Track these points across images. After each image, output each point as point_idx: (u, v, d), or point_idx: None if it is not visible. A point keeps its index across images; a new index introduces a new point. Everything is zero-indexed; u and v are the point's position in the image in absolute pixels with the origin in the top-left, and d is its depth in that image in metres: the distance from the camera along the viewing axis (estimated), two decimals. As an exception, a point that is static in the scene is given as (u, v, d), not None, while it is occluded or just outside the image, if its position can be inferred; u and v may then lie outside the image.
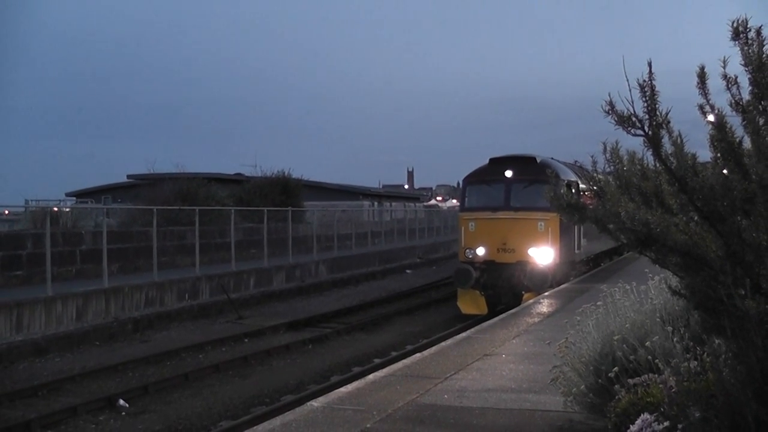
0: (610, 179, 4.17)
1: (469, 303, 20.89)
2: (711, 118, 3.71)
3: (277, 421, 6.85)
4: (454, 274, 21.37)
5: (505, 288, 20.44)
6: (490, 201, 21.02)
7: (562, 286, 19.07)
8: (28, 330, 15.84)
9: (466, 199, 21.88)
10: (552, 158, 22.68)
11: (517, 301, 19.09)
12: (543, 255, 19.85)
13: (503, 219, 20.35)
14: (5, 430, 10.79)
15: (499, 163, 21.20)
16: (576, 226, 20.63)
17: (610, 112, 3.66)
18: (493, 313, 18.68)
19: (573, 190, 19.32)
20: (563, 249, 20.36)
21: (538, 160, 20.85)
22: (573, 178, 21.22)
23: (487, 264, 20.56)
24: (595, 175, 4.17)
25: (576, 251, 21.81)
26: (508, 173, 20.59)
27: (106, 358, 15.30)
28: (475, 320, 18.41)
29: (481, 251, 20.58)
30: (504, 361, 9.33)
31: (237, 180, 43.59)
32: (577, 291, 17.34)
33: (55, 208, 27.04)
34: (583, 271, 23.15)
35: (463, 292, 20.93)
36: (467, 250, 20.82)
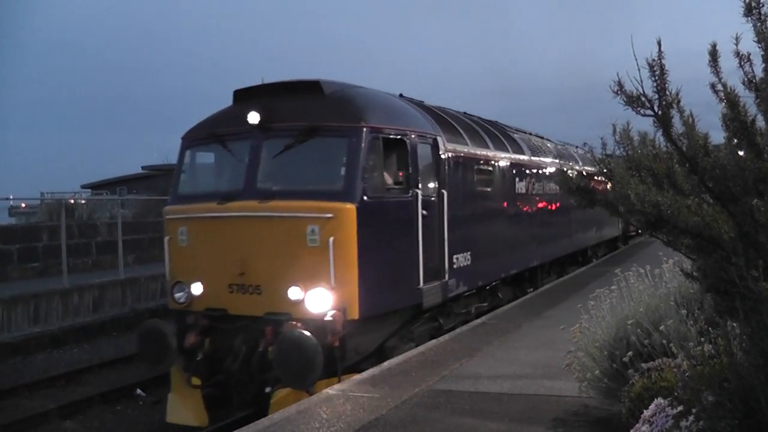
0: (620, 161, 4.11)
1: (179, 402, 9.68)
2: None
3: (293, 408, 6.88)
4: (137, 339, 9.97)
5: (239, 373, 9.03)
6: (221, 181, 10.47)
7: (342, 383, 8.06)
8: (46, 321, 15.95)
9: (181, 177, 10.75)
10: (392, 94, 11.79)
11: (264, 403, 8.64)
12: (316, 300, 8.70)
13: (238, 219, 9.31)
14: (24, 421, 10.89)
15: (249, 101, 9.99)
16: (440, 218, 10.69)
17: (619, 92, 3.61)
18: (246, 419, 8.38)
19: (415, 153, 10.11)
20: (380, 282, 9.31)
21: (327, 90, 10.00)
22: (428, 130, 10.82)
23: (213, 318, 9.42)
24: (604, 157, 4.10)
25: (428, 285, 10.11)
26: (254, 118, 9.51)
27: (123, 349, 15.39)
28: None
29: (197, 290, 9.59)
30: (519, 346, 9.30)
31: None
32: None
33: (71, 200, 27.19)
34: (461, 319, 11.95)
35: (175, 381, 9.81)
36: (177, 288, 9.79)
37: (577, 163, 20.61)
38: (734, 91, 3.63)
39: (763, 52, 3.61)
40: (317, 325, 8.49)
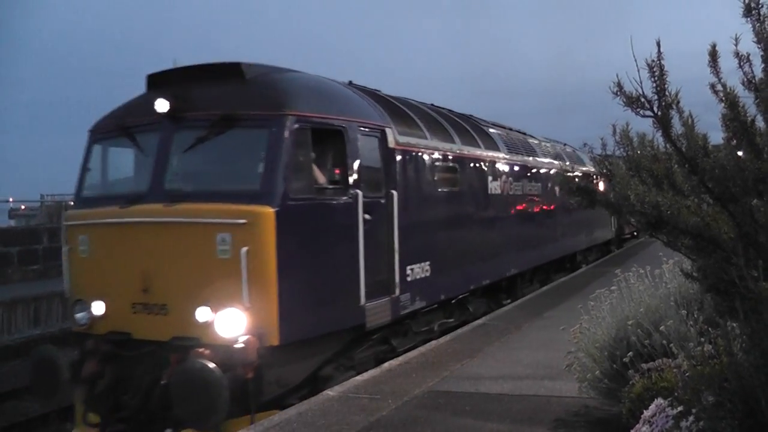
0: (620, 162, 4.12)
1: None
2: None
3: (293, 410, 6.87)
4: (28, 369, 8.54)
5: (140, 409, 7.64)
6: (129, 181, 9.17)
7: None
8: (46, 324, 15.96)
9: (86, 177, 9.22)
10: (339, 81, 10.33)
11: None
12: (227, 322, 7.35)
13: (140, 226, 7.99)
14: (24, 423, 10.90)
15: (163, 87, 8.58)
16: (389, 223, 9.30)
17: (619, 93, 3.62)
18: None
19: (355, 146, 8.75)
20: (307, 300, 7.92)
21: (249, 74, 8.59)
22: (374, 120, 9.42)
23: (116, 343, 8.08)
24: (603, 157, 4.11)
25: (373, 302, 8.78)
26: (162, 106, 8.16)
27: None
28: None
29: (99, 309, 8.28)
30: (519, 347, 9.30)
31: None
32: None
33: (71, 202, 27.22)
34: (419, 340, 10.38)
35: (78, 417, 8.27)
36: (77, 307, 8.44)
37: (564, 162, 19.09)
38: (734, 91, 3.64)
39: (762, 53, 3.62)
40: (226, 353, 7.10)
